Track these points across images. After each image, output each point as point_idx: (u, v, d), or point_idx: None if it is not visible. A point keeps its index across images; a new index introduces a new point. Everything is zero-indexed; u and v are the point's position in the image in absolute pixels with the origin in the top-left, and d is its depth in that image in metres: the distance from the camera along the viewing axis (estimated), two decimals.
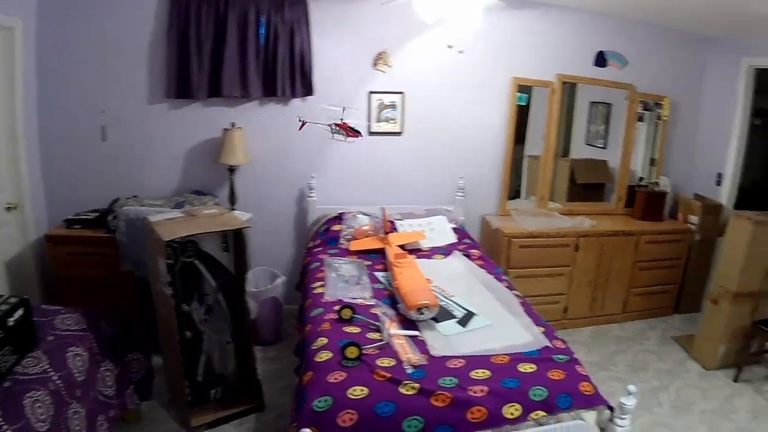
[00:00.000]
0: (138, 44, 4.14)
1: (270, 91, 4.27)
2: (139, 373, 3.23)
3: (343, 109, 4.01)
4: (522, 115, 4.91)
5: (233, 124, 4.17)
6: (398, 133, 4.56)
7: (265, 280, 4.41)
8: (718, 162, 5.27)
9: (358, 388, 2.26)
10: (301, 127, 4.05)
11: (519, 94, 4.71)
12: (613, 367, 4.32)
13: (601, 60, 4.99)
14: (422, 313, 2.83)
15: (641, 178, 5.44)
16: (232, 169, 4.24)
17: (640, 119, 5.26)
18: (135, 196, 4.20)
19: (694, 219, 5.18)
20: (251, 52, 4.15)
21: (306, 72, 4.28)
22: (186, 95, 4.16)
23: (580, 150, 5.33)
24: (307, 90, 4.32)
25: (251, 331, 3.59)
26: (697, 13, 4.54)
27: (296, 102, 4.37)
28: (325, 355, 2.49)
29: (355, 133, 4.01)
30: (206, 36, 4.08)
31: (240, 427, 3.36)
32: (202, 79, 4.14)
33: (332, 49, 4.35)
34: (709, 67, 5.41)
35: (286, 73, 4.23)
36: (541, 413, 2.28)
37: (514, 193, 5.18)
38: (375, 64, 4.43)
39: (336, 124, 4.00)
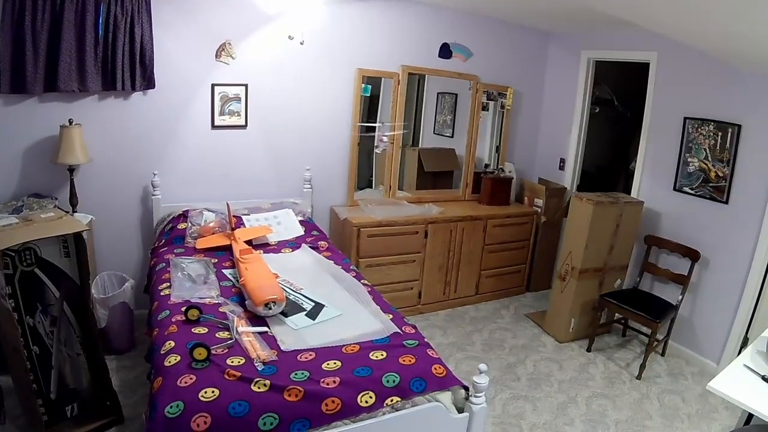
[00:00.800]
0: None
1: (109, 84, 4.48)
2: None
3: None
4: (372, 106, 5.49)
5: (71, 121, 4.34)
6: (243, 126, 4.89)
7: (113, 285, 4.58)
8: (561, 148, 6.25)
9: (209, 389, 2.39)
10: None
11: (364, 85, 5.24)
12: (470, 347, 4.96)
13: (446, 52, 5.67)
14: (270, 308, 3.06)
15: (487, 165, 6.21)
16: (71, 169, 4.39)
17: (485, 108, 6.02)
18: None
19: (539, 202, 6.06)
20: (89, 43, 4.33)
21: (146, 64, 4.54)
22: (20, 90, 4.28)
23: (429, 139, 6.02)
24: (148, 83, 4.58)
25: (102, 340, 3.75)
26: (539, 9, 5.26)
27: (138, 96, 4.64)
28: (173, 359, 2.61)
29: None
30: (42, 25, 4.20)
31: None
32: (37, 73, 4.27)
33: (174, 40, 4.63)
34: (551, 59, 6.31)
35: (126, 66, 4.47)
36: (396, 399, 2.53)
37: (365, 184, 5.75)
38: (218, 56, 4.78)
39: None
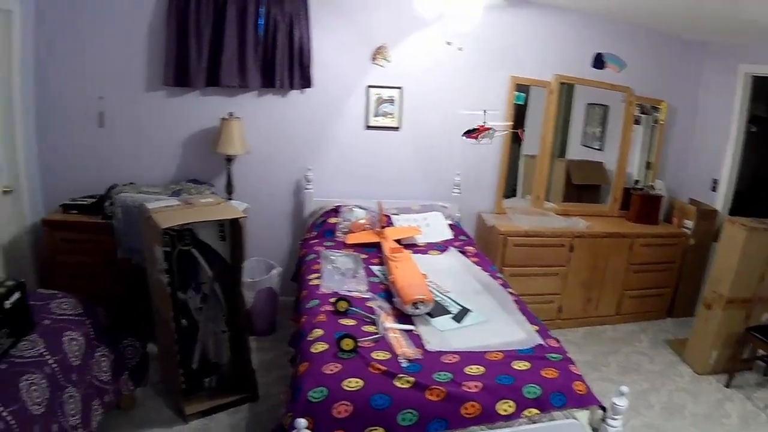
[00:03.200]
0: (137, 31, 4.51)
1: (268, 82, 4.65)
2: (134, 359, 3.52)
3: (485, 112, 4.27)
4: (519, 114, 5.34)
5: (231, 114, 4.54)
6: (396, 128, 4.94)
7: (260, 271, 4.75)
8: (714, 167, 5.79)
9: (353, 379, 2.44)
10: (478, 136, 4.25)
11: (517, 93, 5.10)
12: (605, 368, 4.71)
13: (599, 62, 5.44)
14: (417, 308, 3.08)
15: (637, 181, 5.89)
16: (229, 159, 4.60)
17: (637, 122, 5.72)
18: (132, 183, 4.53)
19: (688, 223, 5.66)
20: (250, 42, 4.53)
21: (305, 64, 4.67)
22: (184, 83, 4.54)
23: (576, 151, 5.78)
24: (306, 82, 4.70)
25: (246, 321, 3.88)
26: (695, 19, 4.97)
27: (295, 94, 4.77)
28: (320, 347, 2.71)
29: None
30: (205, 24, 4.45)
31: (233, 416, 3.66)
32: (200, 68, 4.52)
33: (331, 42, 4.74)
34: (706, 73, 5.91)
35: (285, 65, 4.62)
36: (534, 411, 2.49)
37: (510, 192, 5.59)
38: (374, 59, 4.85)
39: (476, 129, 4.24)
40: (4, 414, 2.31)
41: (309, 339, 2.83)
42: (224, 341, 3.70)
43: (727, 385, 4.59)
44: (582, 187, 5.87)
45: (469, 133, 4.21)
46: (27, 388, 2.51)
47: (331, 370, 2.52)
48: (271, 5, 4.51)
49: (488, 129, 4.17)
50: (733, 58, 5.49)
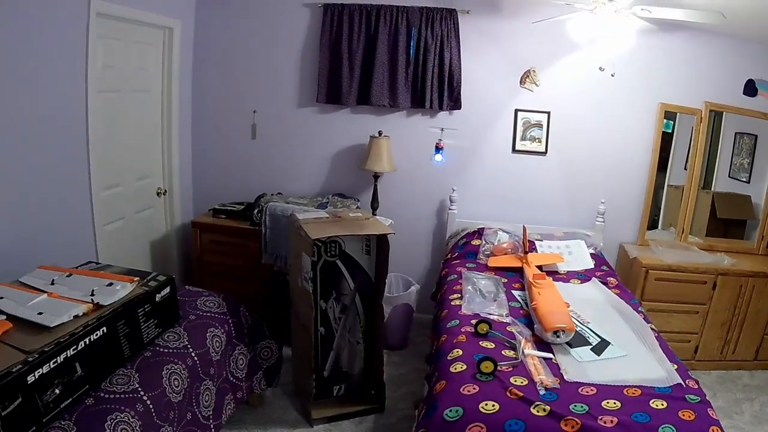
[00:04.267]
0: (291, 49, 4.74)
1: (417, 102, 4.76)
2: (269, 360, 3.69)
3: (442, 129, 4.66)
4: (665, 142, 5.18)
5: (380, 133, 4.67)
6: (542, 153, 4.89)
7: (398, 287, 4.85)
8: None
9: (490, 402, 2.45)
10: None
11: (665, 120, 4.98)
12: (738, 416, 4.48)
13: (750, 88, 5.17)
14: (558, 336, 3.05)
15: None
16: (376, 176, 4.72)
17: None
18: (279, 193, 4.75)
19: None
20: (401, 63, 4.66)
21: (454, 86, 4.74)
22: (335, 101, 4.73)
23: (722, 182, 5.52)
24: (455, 104, 4.77)
25: (383, 334, 3.99)
26: None
27: (443, 115, 4.84)
28: (459, 367, 2.73)
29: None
30: (357, 46, 4.63)
31: (359, 425, 3.76)
32: (351, 87, 4.70)
33: (481, 64, 4.78)
34: None
35: (434, 86, 4.71)
36: None
37: (651, 223, 5.42)
38: (522, 82, 4.84)
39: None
40: (144, 397, 2.51)
41: (448, 358, 2.86)
42: (358, 352, 3.81)
43: None
44: (727, 221, 5.61)
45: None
46: (168, 376, 2.70)
47: (469, 391, 2.53)
48: (422, 27, 4.61)
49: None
50: None
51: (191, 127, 4.86)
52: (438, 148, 4.72)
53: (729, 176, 5.50)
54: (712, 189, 5.47)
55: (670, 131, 5.09)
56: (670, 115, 5.13)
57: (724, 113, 5.28)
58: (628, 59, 4.87)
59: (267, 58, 4.78)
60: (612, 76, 4.62)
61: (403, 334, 4.65)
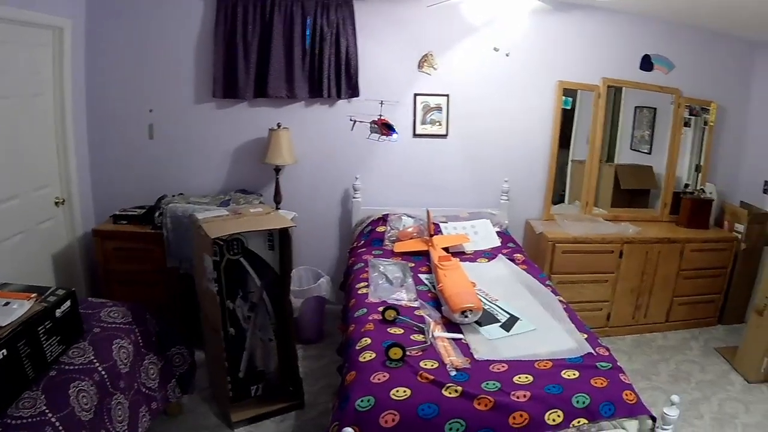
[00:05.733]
0: (185, 45, 4.59)
1: (316, 92, 4.69)
2: (182, 367, 3.57)
3: (381, 103, 4.48)
4: (566, 118, 5.28)
5: (279, 125, 4.58)
6: (443, 136, 4.91)
7: (308, 279, 4.80)
8: (766, 169, 5.83)
9: (401, 389, 2.45)
10: (353, 127, 4.50)
11: (564, 97, 5.05)
12: (655, 377, 4.62)
13: (647, 63, 5.32)
14: (466, 317, 3.07)
15: (687, 185, 5.76)
16: (277, 169, 4.63)
17: (686, 124, 5.59)
18: (181, 194, 4.61)
19: (740, 227, 5.50)
20: (297, 53, 4.58)
21: (351, 73, 4.70)
22: (232, 95, 4.61)
23: (624, 155, 5.67)
24: (353, 91, 4.73)
25: (294, 329, 3.93)
26: (747, 17, 4.84)
27: (342, 103, 4.78)
28: (368, 356, 2.71)
29: (387, 130, 4.26)
30: (252, 37, 4.51)
31: (280, 424, 3.69)
32: (248, 80, 4.58)
33: (378, 50, 4.75)
34: (758, 72, 5.75)
35: (331, 75, 4.65)
36: (582, 420, 2.44)
37: (557, 198, 5.53)
38: (420, 66, 4.83)
39: (373, 121, 4.34)
40: (53, 420, 2.39)
41: (357, 348, 2.84)
42: (272, 349, 3.74)
43: None
44: (631, 192, 5.77)
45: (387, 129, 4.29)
46: (76, 394, 2.58)
47: (379, 380, 2.52)
48: (318, 15, 4.54)
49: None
50: None
51: (87, 131, 4.65)
52: (389, 126, 4.43)
53: (631, 148, 5.67)
54: (615, 162, 5.61)
55: (569, 108, 5.16)
56: (569, 92, 5.22)
57: (624, 88, 5.41)
58: (526, 39, 4.93)
59: (161, 55, 4.62)
60: (507, 56, 4.72)
61: (318, 326, 4.61)
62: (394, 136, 4.35)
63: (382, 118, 4.37)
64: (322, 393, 3.98)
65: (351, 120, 4.50)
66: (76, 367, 2.75)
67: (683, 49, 5.44)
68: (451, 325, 3.11)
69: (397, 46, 4.78)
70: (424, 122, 4.90)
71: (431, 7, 4.42)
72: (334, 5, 4.56)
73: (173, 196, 4.55)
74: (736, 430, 4.00)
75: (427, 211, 4.53)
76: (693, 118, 5.64)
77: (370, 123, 4.39)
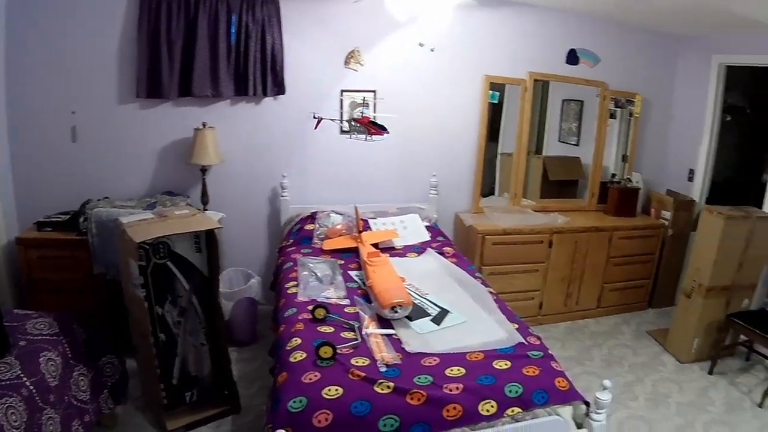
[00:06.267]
0: (108, 44, 4.45)
1: (241, 90, 4.62)
2: (113, 377, 3.49)
3: (366, 102, 4.59)
4: (495, 112, 5.35)
5: (204, 124, 4.50)
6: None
7: (239, 281, 4.74)
8: (690, 158, 5.84)
9: (333, 387, 2.43)
10: (316, 125, 4.41)
11: (491, 92, 5.11)
12: (589, 362, 4.74)
13: (573, 58, 5.46)
14: (396, 312, 3.06)
15: (614, 175, 5.92)
16: (204, 169, 4.56)
17: (612, 116, 5.75)
18: (106, 198, 4.50)
19: (666, 214, 5.70)
20: (222, 51, 4.50)
21: (277, 71, 4.64)
22: (157, 95, 4.49)
23: (553, 147, 5.80)
24: (279, 89, 4.67)
25: (226, 332, 3.87)
26: (669, 12, 4.99)
27: (268, 101, 4.74)
28: (299, 356, 2.69)
29: (378, 129, 4.05)
30: (177, 35, 4.41)
31: (217, 429, 3.64)
32: (173, 79, 4.49)
33: (304, 47, 4.71)
34: (680, 65, 5.96)
35: (257, 72, 4.59)
36: (516, 409, 2.48)
37: (488, 191, 5.61)
38: (347, 63, 4.82)
39: (356, 120, 4.19)
40: None
41: (287, 348, 2.81)
42: (204, 354, 3.67)
43: (711, 372, 4.65)
44: (560, 183, 5.90)
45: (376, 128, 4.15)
46: (4, 411, 2.49)
47: (310, 379, 2.50)
48: (243, 12, 4.48)
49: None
50: (707, 49, 5.54)
51: (7, 136, 4.47)
52: (378, 125, 4.24)
53: (559, 140, 5.78)
54: (544, 154, 5.72)
55: (496, 102, 5.23)
56: (497, 86, 5.28)
57: (551, 82, 5.52)
58: (452, 35, 4.98)
59: (84, 55, 4.46)
60: (432, 51, 4.75)
61: (250, 328, 4.53)
62: (386, 135, 4.16)
63: (365, 116, 4.29)
64: (258, 396, 3.94)
65: (315, 117, 4.39)
66: (3, 383, 2.65)
67: (609, 43, 5.57)
68: (382, 321, 3.11)
69: (323, 42, 4.76)
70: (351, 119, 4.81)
71: (357, 3, 4.44)
72: (259, 2, 4.50)
73: (98, 200, 4.44)
74: (670, 409, 4.13)
75: (355, 208, 4.53)
76: (619, 110, 5.79)
77: (351, 122, 4.28)
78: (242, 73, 4.61)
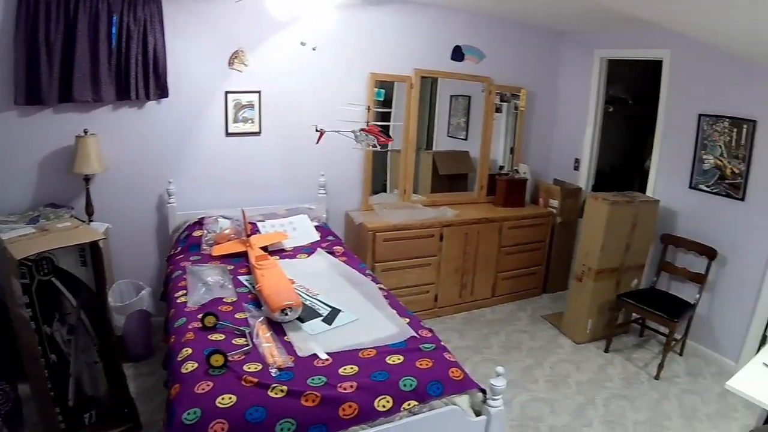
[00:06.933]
0: None
1: (123, 94, 4.52)
2: (5, 405, 3.29)
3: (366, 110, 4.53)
4: (386, 110, 5.48)
5: (86, 131, 4.38)
6: (257, 133, 4.91)
7: (130, 293, 4.60)
8: (576, 148, 6.21)
9: (227, 395, 2.42)
10: (318, 139, 4.34)
11: (377, 89, 5.21)
12: (487, 350, 4.95)
13: (458, 54, 5.65)
14: (286, 314, 3.08)
15: (501, 167, 6.20)
16: (87, 179, 4.44)
17: (498, 110, 6.00)
18: None
19: (554, 203, 6.04)
20: (103, 53, 4.39)
21: (160, 73, 4.57)
22: (36, 101, 4.32)
23: (443, 142, 6.01)
24: (162, 92, 4.61)
25: (120, 347, 3.80)
26: (551, 10, 5.24)
27: (152, 104, 4.65)
28: (190, 366, 2.65)
29: (387, 137, 4.11)
30: (56, 37, 4.25)
31: None
32: (52, 84, 4.32)
33: (187, 48, 4.65)
34: (564, 59, 6.28)
35: (139, 75, 4.50)
36: (413, 403, 2.56)
37: (381, 188, 5.75)
38: (231, 63, 4.81)
39: (362, 130, 4.17)
40: None
41: (179, 359, 2.78)
42: (99, 372, 3.56)
43: (607, 350, 4.98)
44: (451, 177, 6.09)
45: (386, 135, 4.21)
46: None
47: (203, 389, 2.49)
48: (124, 12, 4.38)
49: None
50: (588, 44, 5.90)
51: None
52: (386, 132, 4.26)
53: (448, 135, 5.99)
54: (434, 149, 5.90)
55: (382, 99, 5.31)
56: (385, 84, 5.39)
57: (440, 79, 5.69)
58: (336, 33, 5.06)
59: None
60: (313, 50, 4.80)
61: (146, 342, 4.41)
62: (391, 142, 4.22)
63: (371, 124, 4.27)
64: (159, 411, 3.82)
65: (317, 130, 4.33)
66: None
67: (494, 39, 5.81)
68: (273, 325, 3.12)
69: (206, 43, 4.72)
70: (236, 120, 4.82)
71: (239, 3, 4.46)
72: (141, 2, 4.42)
73: None
74: (570, 389, 4.39)
75: (242, 211, 4.54)
76: (505, 104, 6.05)
77: (358, 132, 4.22)
78: (124, 77, 4.51)
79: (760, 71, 4.38)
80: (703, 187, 4.92)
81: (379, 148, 4.20)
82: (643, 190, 5.54)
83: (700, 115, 4.86)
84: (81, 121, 4.48)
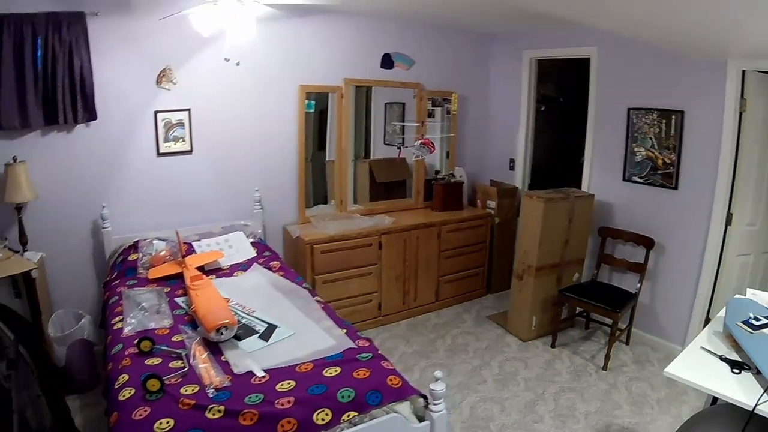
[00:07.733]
0: None
1: (51, 118, 4.49)
2: None
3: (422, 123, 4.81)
4: (321, 121, 5.59)
5: (15, 158, 4.34)
6: (188, 152, 4.92)
7: (70, 323, 4.55)
8: (510, 148, 6.41)
9: (164, 420, 2.41)
10: (399, 154, 5.21)
11: (307, 101, 5.32)
12: (434, 354, 5.06)
13: (387, 62, 5.80)
14: (222, 334, 3.09)
15: (437, 172, 6.36)
16: (18, 207, 4.38)
17: (431, 115, 6.18)
18: None
19: (492, 204, 6.22)
20: (29, 76, 4.34)
21: (87, 95, 4.54)
22: None
23: (380, 150, 6.14)
24: (90, 114, 4.59)
25: (64, 378, 3.77)
26: (477, 13, 5.39)
27: (80, 128, 4.64)
28: (128, 393, 2.64)
29: (433, 147, 5.47)
30: None
31: None
32: None
33: (114, 68, 4.65)
34: (494, 61, 6.48)
35: (66, 98, 4.47)
36: (352, 414, 2.59)
37: (321, 200, 5.84)
38: (159, 82, 4.82)
39: (422, 143, 5.31)
40: None
41: (116, 387, 2.77)
42: (42, 406, 3.45)
43: (553, 345, 5.16)
44: (388, 185, 6.23)
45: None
46: None
47: (141, 415, 2.49)
48: (49, 34, 4.35)
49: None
50: (517, 45, 6.13)
51: None
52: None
53: (385, 143, 6.11)
54: (371, 157, 6.03)
55: (313, 111, 5.45)
56: (318, 95, 5.51)
57: (373, 87, 5.83)
58: (262, 47, 5.12)
59: None
60: (237, 65, 4.80)
61: (90, 371, 4.31)
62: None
63: (425, 138, 5.52)
64: None
65: (399, 147, 5.39)
66: None
67: (422, 45, 5.98)
68: (210, 345, 3.13)
69: (133, 62, 4.73)
70: (167, 140, 4.81)
71: (164, 20, 4.50)
72: (66, 23, 4.39)
73: None
74: (519, 386, 4.53)
75: (176, 233, 4.58)
76: (437, 109, 6.22)
77: (420, 144, 5.46)
78: (51, 100, 4.48)
79: (686, 64, 4.65)
80: (636, 178, 5.18)
81: (422, 157, 5.66)
82: (578, 185, 5.77)
83: (629, 109, 5.12)
84: (9, 148, 4.42)
